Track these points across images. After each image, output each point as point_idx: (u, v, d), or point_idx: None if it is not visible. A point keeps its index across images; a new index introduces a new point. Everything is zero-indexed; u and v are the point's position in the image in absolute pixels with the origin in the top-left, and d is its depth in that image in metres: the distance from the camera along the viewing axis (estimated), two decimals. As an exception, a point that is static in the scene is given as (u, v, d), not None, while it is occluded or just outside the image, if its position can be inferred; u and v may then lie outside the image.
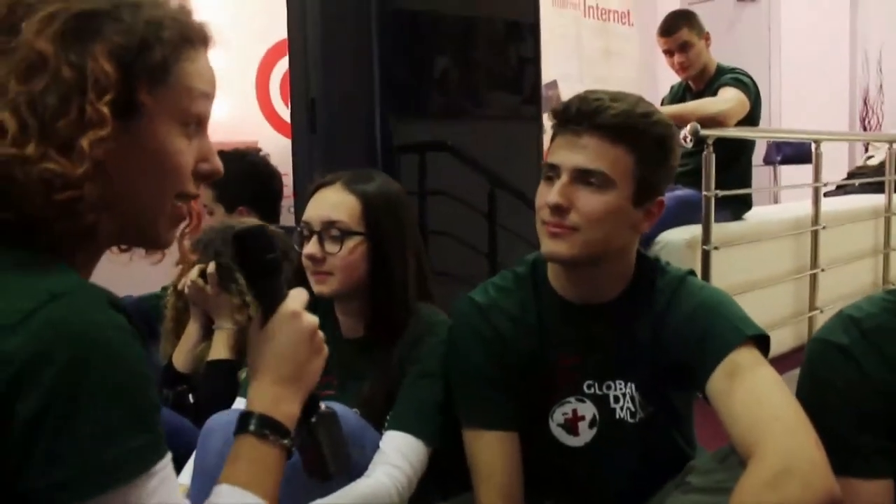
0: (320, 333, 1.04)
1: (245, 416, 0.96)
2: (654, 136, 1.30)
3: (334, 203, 1.55)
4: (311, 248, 1.53)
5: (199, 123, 0.90)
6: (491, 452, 1.39)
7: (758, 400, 1.20)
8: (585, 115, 1.27)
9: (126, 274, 0.86)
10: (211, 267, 1.87)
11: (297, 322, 1.01)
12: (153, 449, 0.79)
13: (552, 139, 1.33)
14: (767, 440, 1.13)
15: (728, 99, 3.20)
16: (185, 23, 0.87)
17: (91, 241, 0.85)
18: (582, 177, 1.28)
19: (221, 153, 2.66)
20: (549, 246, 1.32)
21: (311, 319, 1.02)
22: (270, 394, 0.98)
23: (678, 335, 1.32)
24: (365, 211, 1.54)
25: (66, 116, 0.79)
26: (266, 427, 0.95)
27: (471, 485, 1.42)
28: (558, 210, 1.28)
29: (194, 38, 0.88)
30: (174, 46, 0.85)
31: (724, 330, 1.28)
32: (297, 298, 1.03)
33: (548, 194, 1.30)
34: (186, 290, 1.90)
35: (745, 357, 1.25)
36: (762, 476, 1.10)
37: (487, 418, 1.40)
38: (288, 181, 3.07)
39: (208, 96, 0.90)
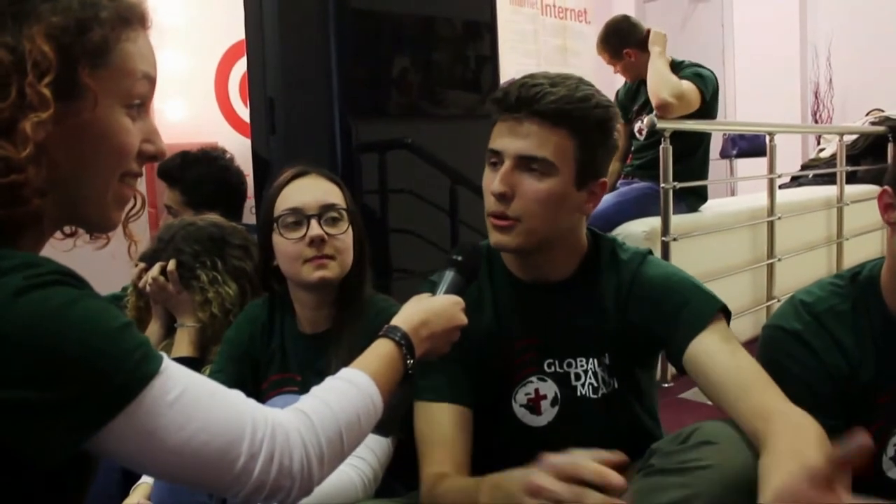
0: (459, 333, 1.24)
1: (393, 328, 1.14)
2: (594, 119, 1.31)
3: (326, 188, 1.57)
4: (315, 230, 1.51)
5: (141, 104, 0.90)
6: (439, 423, 1.36)
7: (759, 367, 1.25)
8: (525, 102, 1.28)
9: (84, 274, 0.85)
10: (172, 264, 1.86)
11: (458, 307, 1.24)
12: (147, 360, 0.82)
13: (494, 124, 1.34)
14: (783, 399, 1.19)
15: (683, 94, 3.23)
16: (120, 2, 0.87)
17: (37, 225, 0.85)
18: (524, 163, 1.29)
19: (191, 155, 2.62)
20: (494, 238, 1.34)
21: (464, 317, 1.24)
22: (419, 328, 1.16)
23: (650, 302, 1.34)
24: (348, 198, 1.59)
25: (6, 99, 0.79)
26: (405, 343, 1.13)
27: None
28: (502, 198, 1.30)
29: (132, 17, 0.88)
30: (112, 26, 0.85)
31: (703, 297, 1.32)
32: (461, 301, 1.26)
33: (492, 182, 1.31)
34: (147, 288, 1.88)
35: (727, 329, 1.30)
36: (806, 420, 1.15)
37: (438, 391, 1.38)
38: (248, 180, 3.06)
39: (150, 77, 0.90)
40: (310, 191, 1.55)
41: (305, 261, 1.52)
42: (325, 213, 1.53)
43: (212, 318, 1.83)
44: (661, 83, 3.23)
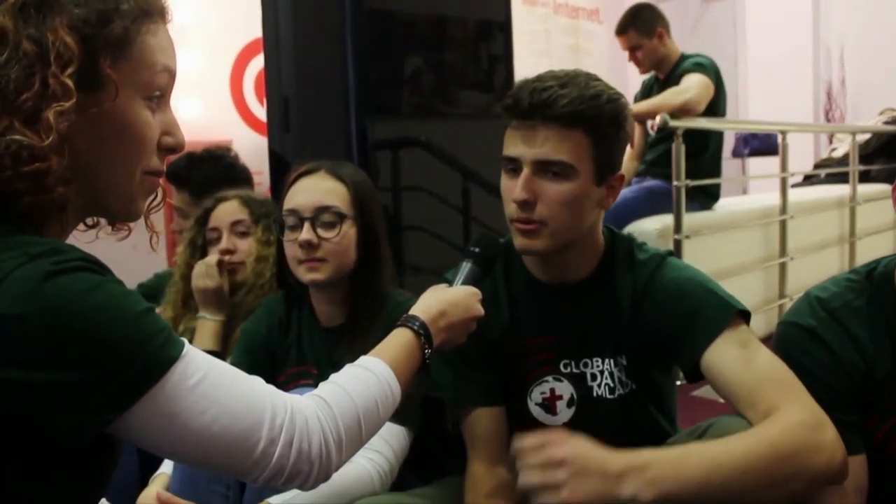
0: (476, 324, 1.26)
1: (412, 317, 1.16)
2: (607, 115, 1.31)
3: (325, 189, 1.56)
4: (306, 234, 1.53)
5: (161, 97, 0.92)
6: (484, 425, 1.42)
7: (780, 368, 1.24)
8: (538, 108, 1.28)
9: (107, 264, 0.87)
10: (213, 259, 1.88)
11: (475, 298, 1.26)
12: (169, 344, 0.84)
13: (508, 129, 1.34)
14: (800, 403, 1.18)
15: (690, 87, 3.25)
16: None
17: (61, 213, 0.87)
18: (543, 168, 1.30)
19: (196, 155, 2.63)
20: (521, 242, 1.34)
21: (481, 308, 1.26)
22: (437, 318, 1.18)
23: (665, 307, 1.33)
24: (353, 196, 1.57)
25: (31, 89, 0.80)
26: (424, 332, 1.14)
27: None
28: (525, 205, 1.30)
29: (152, 10, 0.90)
30: (133, 18, 0.87)
31: (719, 303, 1.30)
32: (478, 292, 1.28)
33: (513, 189, 1.31)
34: (202, 269, 1.89)
35: (746, 331, 1.28)
36: (803, 415, 1.15)
37: (473, 396, 1.42)
38: (263, 179, 3.08)
39: (170, 70, 0.92)
40: (308, 192, 1.56)
41: (300, 262, 1.54)
42: (319, 215, 1.54)
43: (231, 308, 1.86)
44: (660, 100, 3.27)
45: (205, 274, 1.87)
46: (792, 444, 1.12)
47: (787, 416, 1.15)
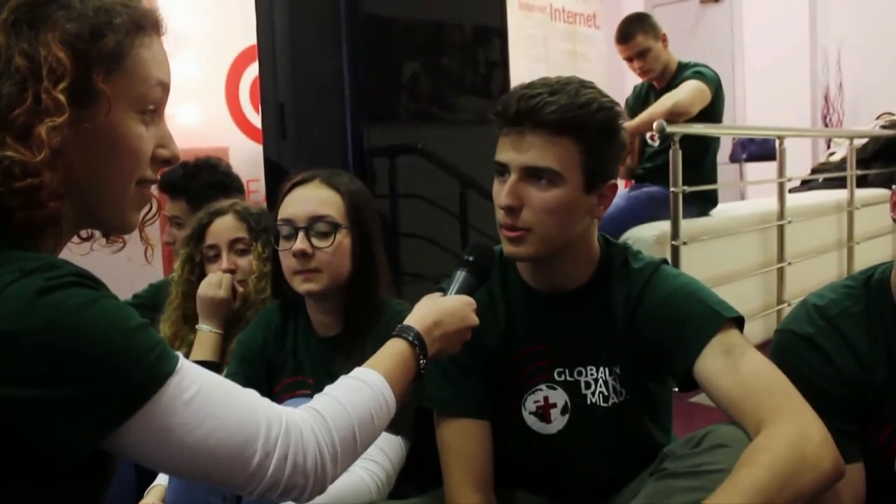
0: (470, 333, 1.26)
1: (406, 328, 1.16)
2: (596, 124, 1.29)
3: (320, 198, 1.56)
4: (300, 243, 1.52)
5: (155, 110, 0.91)
6: (463, 439, 1.40)
7: (765, 374, 1.22)
8: (526, 114, 1.28)
9: (101, 277, 0.86)
10: (228, 279, 1.87)
11: (470, 308, 1.26)
12: (164, 359, 0.83)
13: (500, 135, 1.34)
14: (783, 410, 1.17)
15: (681, 90, 3.26)
16: (135, 9, 0.89)
17: (55, 227, 0.87)
18: (530, 175, 1.30)
19: (190, 165, 2.64)
20: (507, 248, 1.35)
21: (475, 317, 1.26)
22: (432, 328, 1.18)
23: (656, 317, 1.33)
24: (348, 205, 1.56)
25: (23, 105, 0.80)
26: (419, 343, 1.14)
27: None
28: (511, 210, 1.30)
29: (146, 24, 0.90)
30: (127, 32, 0.87)
31: (707, 312, 1.29)
32: (473, 301, 1.28)
33: (500, 194, 1.31)
34: (215, 279, 1.87)
35: (735, 337, 1.27)
36: (782, 436, 1.13)
37: (459, 405, 1.41)
38: (259, 186, 3.07)
39: (164, 84, 0.92)
40: (302, 202, 1.56)
41: (295, 273, 1.54)
42: (313, 224, 1.53)
43: (234, 321, 1.84)
44: (657, 107, 3.27)
45: (217, 284, 1.85)
46: (777, 482, 1.10)
47: (764, 455, 1.12)
